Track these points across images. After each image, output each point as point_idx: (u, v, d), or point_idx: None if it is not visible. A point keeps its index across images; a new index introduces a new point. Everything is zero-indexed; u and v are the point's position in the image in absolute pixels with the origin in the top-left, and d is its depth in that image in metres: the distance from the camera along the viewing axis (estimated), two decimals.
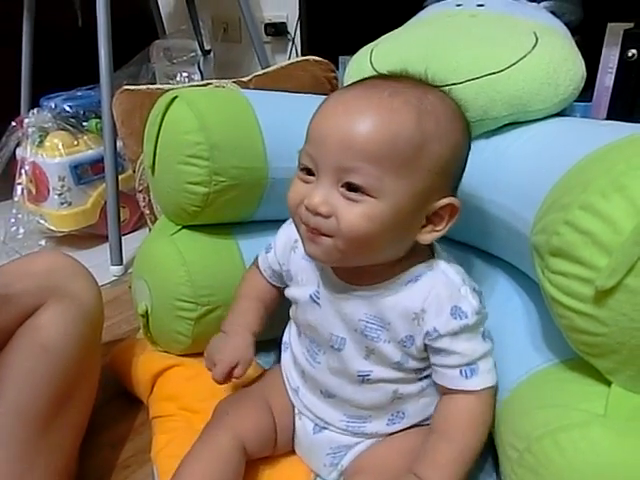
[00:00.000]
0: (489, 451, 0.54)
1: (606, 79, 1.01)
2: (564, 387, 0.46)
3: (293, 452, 0.61)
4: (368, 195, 0.44)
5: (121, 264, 1.12)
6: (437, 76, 0.58)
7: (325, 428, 0.56)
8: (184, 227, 0.72)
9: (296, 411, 0.59)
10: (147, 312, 0.71)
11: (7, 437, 0.48)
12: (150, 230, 1.05)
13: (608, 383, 0.43)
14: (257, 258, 0.65)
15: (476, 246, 0.70)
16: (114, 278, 1.10)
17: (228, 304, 0.69)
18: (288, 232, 0.59)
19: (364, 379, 0.53)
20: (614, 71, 1.00)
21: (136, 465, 0.62)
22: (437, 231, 0.48)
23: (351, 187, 0.44)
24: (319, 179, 0.45)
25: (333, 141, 0.44)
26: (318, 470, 0.58)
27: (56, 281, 0.58)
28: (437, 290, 0.48)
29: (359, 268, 0.50)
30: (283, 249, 0.59)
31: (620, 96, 1.01)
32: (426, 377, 0.54)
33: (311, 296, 0.54)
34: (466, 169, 0.54)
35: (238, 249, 0.73)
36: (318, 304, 0.54)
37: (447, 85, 0.58)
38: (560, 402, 0.45)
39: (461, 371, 0.49)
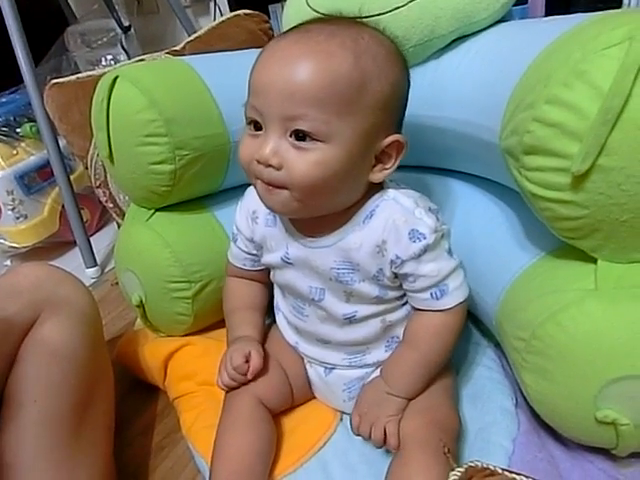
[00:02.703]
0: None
1: None
2: (555, 274, 0.50)
3: (314, 398, 0.63)
4: (317, 140, 0.44)
5: (96, 265, 1.09)
6: (378, 3, 0.58)
7: (334, 369, 0.59)
8: (157, 210, 0.71)
9: (305, 360, 0.62)
10: (142, 302, 0.71)
11: (44, 448, 0.48)
12: (118, 224, 1.02)
13: (594, 260, 0.46)
14: (228, 264, 0.64)
15: (442, 167, 0.72)
16: (93, 280, 1.08)
17: (220, 276, 0.70)
18: (244, 208, 0.59)
19: (351, 320, 0.55)
20: None
21: (171, 445, 0.64)
22: (387, 169, 0.49)
23: (299, 135, 0.44)
24: (267, 131, 0.45)
25: (275, 90, 0.44)
26: (340, 407, 0.61)
27: (46, 292, 0.56)
28: (392, 218, 0.49)
29: (319, 218, 0.50)
30: (246, 225, 0.59)
31: None
32: (406, 303, 0.56)
33: (282, 258, 0.55)
34: (423, 92, 0.55)
35: (216, 220, 0.73)
36: (291, 264, 0.55)
37: (390, 10, 0.58)
38: (554, 288, 0.48)
39: (431, 294, 0.51)
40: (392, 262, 0.50)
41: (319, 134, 0.44)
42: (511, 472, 0.42)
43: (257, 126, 0.46)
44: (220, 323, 0.75)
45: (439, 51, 0.63)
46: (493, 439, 0.55)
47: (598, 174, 0.40)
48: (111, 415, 0.60)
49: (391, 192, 0.51)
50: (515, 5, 0.64)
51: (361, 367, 0.58)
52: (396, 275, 0.52)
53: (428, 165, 0.73)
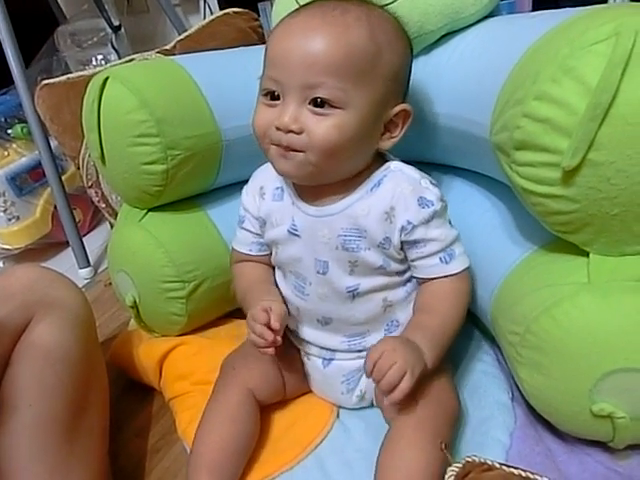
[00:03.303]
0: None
1: None
2: (548, 268, 0.50)
3: (309, 392, 0.63)
4: (335, 107, 0.47)
5: (89, 265, 1.09)
6: None
7: (332, 359, 0.59)
8: (150, 210, 0.71)
9: (302, 353, 0.62)
10: (135, 302, 0.71)
11: (38, 451, 0.48)
12: (111, 224, 1.02)
13: (586, 254, 0.47)
14: (233, 252, 0.64)
15: (434, 161, 0.72)
16: (86, 281, 1.07)
17: (213, 275, 0.70)
18: (251, 186, 0.60)
19: (354, 294, 0.55)
20: None
21: (166, 447, 0.64)
22: (394, 137, 0.52)
23: (317, 103, 0.47)
24: (285, 100, 0.48)
25: (296, 60, 0.46)
26: (338, 400, 0.61)
27: (38, 294, 0.56)
28: (400, 187, 0.52)
29: (326, 186, 0.53)
30: (253, 202, 0.60)
31: None
32: (409, 281, 0.57)
33: (289, 230, 0.56)
34: (414, 87, 0.56)
35: (209, 218, 0.73)
36: (297, 235, 0.56)
37: (381, 6, 0.57)
38: (548, 282, 0.49)
39: (440, 258, 0.53)
40: (403, 228, 0.51)
41: (337, 101, 0.47)
42: (509, 467, 0.42)
43: (273, 96, 0.49)
44: (214, 322, 0.76)
45: (429, 46, 0.63)
46: (490, 433, 0.55)
47: (588, 169, 0.41)
48: (106, 417, 0.60)
49: (397, 164, 0.54)
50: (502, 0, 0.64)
51: (360, 352, 0.58)
52: (402, 246, 0.53)
53: (420, 160, 0.73)
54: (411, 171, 0.53)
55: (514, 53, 0.47)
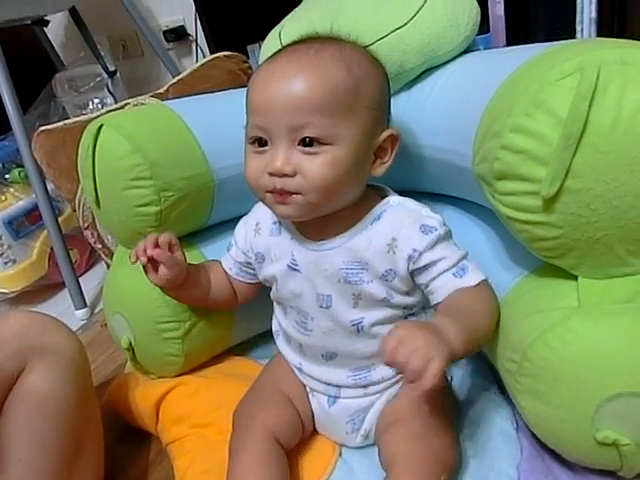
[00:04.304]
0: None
1: (497, 9, 1.08)
2: (539, 294, 0.51)
3: (315, 432, 0.62)
4: (324, 144, 0.48)
5: (85, 306, 1.09)
6: None
7: (337, 397, 0.58)
8: None
9: (308, 390, 0.61)
10: (131, 344, 0.70)
11: None
12: (107, 264, 1.03)
13: (575, 277, 0.47)
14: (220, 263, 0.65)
15: (422, 190, 0.73)
16: (82, 322, 1.07)
17: (209, 314, 0.70)
18: (247, 221, 0.62)
19: (358, 328, 0.54)
20: (502, 0, 1.06)
21: None
22: (385, 162, 0.53)
23: (307, 142, 0.48)
24: (274, 145, 0.48)
25: (279, 105, 0.47)
26: (341, 440, 0.60)
27: (31, 341, 0.56)
28: (400, 219, 0.52)
29: (325, 222, 0.53)
30: (245, 238, 0.61)
31: (513, 22, 1.08)
32: (414, 314, 0.56)
33: (289, 265, 0.56)
34: (397, 122, 0.57)
35: (204, 256, 0.73)
36: (298, 270, 0.56)
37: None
38: (539, 307, 0.49)
39: (453, 274, 0.51)
40: (410, 257, 0.51)
41: (326, 138, 0.47)
42: None
43: (261, 143, 0.49)
44: (211, 361, 0.75)
45: (409, 83, 0.65)
46: (496, 467, 0.54)
47: (567, 196, 0.42)
48: (100, 466, 0.58)
49: (396, 198, 0.55)
50: (479, 34, 0.67)
51: (365, 387, 0.57)
52: (412, 275, 0.52)
53: (408, 189, 0.74)
54: (411, 204, 0.54)
55: (490, 87, 0.49)
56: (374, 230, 0.53)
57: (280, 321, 0.62)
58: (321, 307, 0.55)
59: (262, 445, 0.54)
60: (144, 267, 0.59)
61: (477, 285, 0.51)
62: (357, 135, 0.49)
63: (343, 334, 0.55)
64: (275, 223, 0.58)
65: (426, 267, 0.52)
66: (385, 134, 0.52)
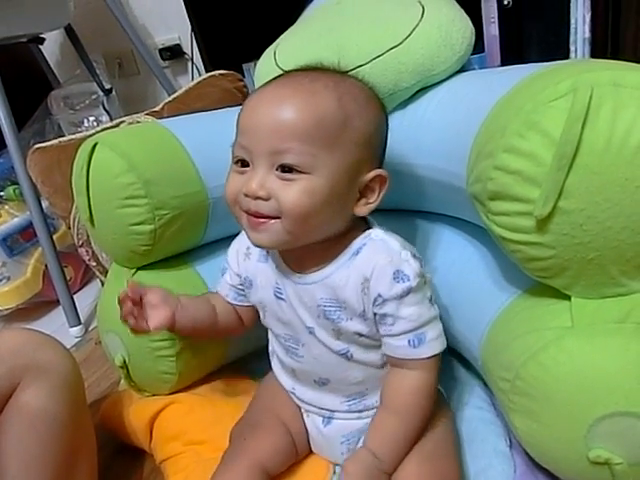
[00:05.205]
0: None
1: (491, 29, 1.09)
2: (533, 313, 0.51)
3: (310, 451, 0.62)
4: (302, 172, 0.46)
5: (79, 324, 1.09)
6: (343, 62, 0.61)
7: (332, 418, 0.58)
8: (139, 269, 0.71)
9: (302, 410, 0.61)
10: (125, 362, 0.70)
11: None
12: (102, 282, 1.02)
13: (568, 297, 0.47)
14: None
15: (418, 209, 0.74)
16: (77, 339, 1.07)
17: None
18: (238, 243, 0.61)
19: (347, 356, 0.54)
20: (496, 20, 1.08)
21: None
22: (370, 203, 0.51)
23: (285, 168, 0.46)
24: (254, 167, 0.48)
25: (262, 127, 0.47)
26: (336, 460, 0.60)
27: (25, 358, 0.56)
28: (378, 257, 0.50)
29: (307, 253, 0.52)
30: (237, 260, 0.60)
31: (507, 42, 1.09)
32: None
33: (275, 294, 0.56)
34: (391, 141, 0.57)
35: (198, 274, 0.73)
36: (283, 299, 0.55)
37: (355, 68, 0.61)
38: (533, 327, 0.49)
39: (409, 340, 0.50)
40: (375, 301, 0.50)
41: (304, 166, 0.46)
42: None
43: (244, 164, 0.49)
44: (206, 379, 0.74)
45: (404, 102, 0.66)
46: None
47: (560, 216, 0.42)
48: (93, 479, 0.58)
49: (379, 232, 0.52)
50: (474, 54, 0.68)
51: (361, 412, 0.57)
52: (376, 315, 0.51)
53: (405, 208, 0.75)
54: (392, 241, 0.51)
55: (484, 107, 0.50)
56: (352, 266, 0.51)
57: (274, 346, 0.62)
58: (309, 334, 0.55)
59: (244, 471, 0.54)
60: (132, 328, 0.57)
61: (426, 359, 0.50)
62: (338, 168, 0.47)
63: (334, 360, 0.55)
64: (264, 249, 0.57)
65: (385, 317, 0.50)
66: (372, 174, 0.50)
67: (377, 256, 0.50)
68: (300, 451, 0.60)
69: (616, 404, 0.43)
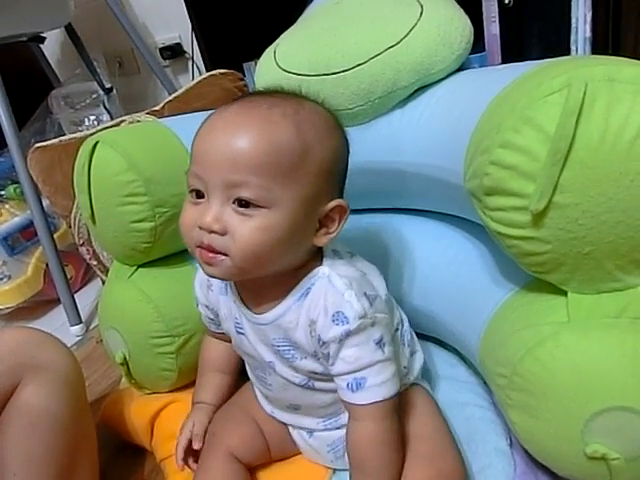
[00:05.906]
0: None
1: (492, 28, 1.09)
2: (529, 309, 0.51)
3: (299, 453, 0.62)
4: (260, 207, 0.44)
5: (80, 322, 1.09)
6: (342, 60, 0.62)
7: (314, 431, 0.58)
8: (139, 267, 0.72)
9: (288, 424, 0.61)
10: (126, 359, 0.70)
11: None
12: (102, 281, 1.03)
13: (564, 293, 0.48)
14: None
15: (416, 208, 0.74)
16: (78, 338, 1.07)
17: (202, 329, 0.69)
18: (200, 275, 0.60)
19: (309, 386, 0.54)
20: (497, 19, 1.08)
21: None
22: (330, 233, 0.49)
23: (242, 202, 0.44)
24: (209, 198, 0.45)
25: (218, 158, 0.44)
26: (329, 465, 0.60)
27: (25, 356, 0.56)
28: (322, 299, 0.48)
29: (261, 288, 0.51)
30: (202, 292, 0.60)
31: (508, 41, 1.09)
32: None
33: (235, 328, 0.56)
34: (391, 139, 0.57)
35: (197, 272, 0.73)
36: (244, 334, 0.55)
37: (354, 67, 0.61)
38: (530, 322, 0.49)
39: (348, 384, 0.48)
40: (319, 341, 0.48)
41: (261, 201, 0.43)
42: None
43: (199, 194, 0.46)
44: None
45: (403, 101, 0.66)
46: None
47: (555, 211, 0.42)
48: (95, 478, 0.58)
49: (326, 270, 0.49)
50: (474, 53, 0.68)
51: (339, 428, 0.56)
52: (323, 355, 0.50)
53: (402, 207, 0.75)
54: (339, 280, 0.48)
55: (481, 104, 0.50)
56: (301, 307, 0.49)
57: (248, 372, 0.62)
58: (271, 368, 0.55)
59: (217, 462, 0.56)
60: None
61: (365, 406, 0.48)
62: (297, 202, 0.45)
63: (298, 390, 0.55)
64: (223, 282, 0.56)
65: (328, 357, 0.49)
66: (332, 204, 0.47)
67: (322, 297, 0.48)
68: (275, 453, 0.61)
69: (612, 399, 0.43)
